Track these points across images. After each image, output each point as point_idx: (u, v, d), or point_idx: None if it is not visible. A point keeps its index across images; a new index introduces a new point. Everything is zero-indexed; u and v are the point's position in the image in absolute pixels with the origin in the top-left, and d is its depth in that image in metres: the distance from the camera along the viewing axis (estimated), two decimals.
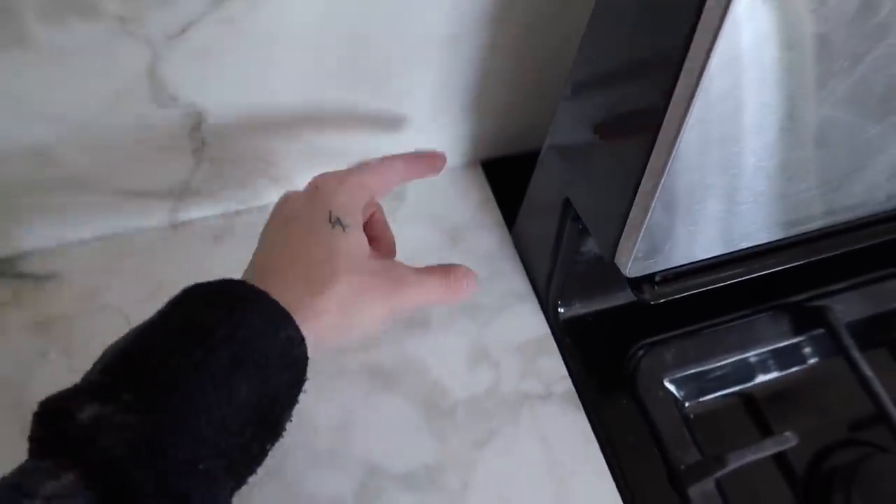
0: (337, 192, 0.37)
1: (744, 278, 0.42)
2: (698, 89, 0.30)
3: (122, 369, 0.29)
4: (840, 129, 0.35)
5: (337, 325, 0.34)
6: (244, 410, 0.29)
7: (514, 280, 0.53)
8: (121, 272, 0.50)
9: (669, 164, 0.33)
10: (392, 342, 0.49)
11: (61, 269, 0.50)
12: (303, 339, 0.32)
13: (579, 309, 0.51)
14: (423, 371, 0.48)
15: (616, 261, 0.39)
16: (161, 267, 0.50)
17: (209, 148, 0.46)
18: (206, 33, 0.38)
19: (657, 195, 0.35)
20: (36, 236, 0.49)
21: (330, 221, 0.36)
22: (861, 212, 0.43)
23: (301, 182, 0.39)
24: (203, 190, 0.50)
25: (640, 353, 0.50)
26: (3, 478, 0.26)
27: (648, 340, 0.51)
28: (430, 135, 0.53)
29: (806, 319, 0.52)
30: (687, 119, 0.31)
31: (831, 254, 0.43)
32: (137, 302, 0.47)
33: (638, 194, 0.36)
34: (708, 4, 0.28)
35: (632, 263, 0.38)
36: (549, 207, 0.46)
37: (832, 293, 0.54)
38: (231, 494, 0.30)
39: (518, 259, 0.54)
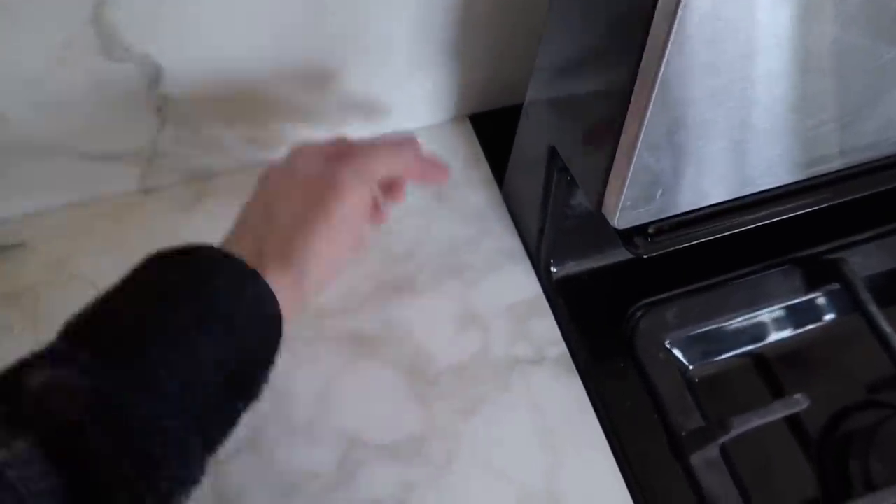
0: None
1: (748, 227, 0.38)
2: (680, 6, 0.26)
3: (80, 332, 0.28)
4: (851, 55, 0.32)
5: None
6: (210, 368, 0.28)
7: (504, 239, 0.49)
8: (90, 240, 0.47)
9: (653, 97, 0.30)
10: (374, 306, 0.46)
11: (28, 238, 0.47)
12: (272, 295, 0.31)
13: (573, 268, 0.48)
14: (407, 336, 0.45)
15: (603, 211, 0.36)
16: (132, 234, 0.48)
17: (173, 106, 0.44)
18: None
19: (642, 135, 0.31)
20: (0, 205, 0.47)
21: None
22: (874, 153, 0.39)
23: (275, 145, 0.36)
24: (172, 152, 0.47)
25: (639, 313, 0.46)
26: None
27: (648, 300, 0.47)
28: (412, 87, 0.50)
29: (820, 273, 0.48)
30: (669, 43, 0.27)
31: (844, 199, 0.39)
32: (107, 271, 0.46)
33: (622, 135, 0.33)
34: None
35: (620, 214, 0.35)
36: (536, 159, 0.43)
37: (848, 245, 0.50)
38: (203, 457, 0.29)
39: (509, 217, 0.50)
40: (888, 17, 0.30)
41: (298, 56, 0.44)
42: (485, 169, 0.52)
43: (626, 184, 0.34)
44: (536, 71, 0.40)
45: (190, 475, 0.28)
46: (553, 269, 0.47)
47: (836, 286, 0.48)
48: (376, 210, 0.38)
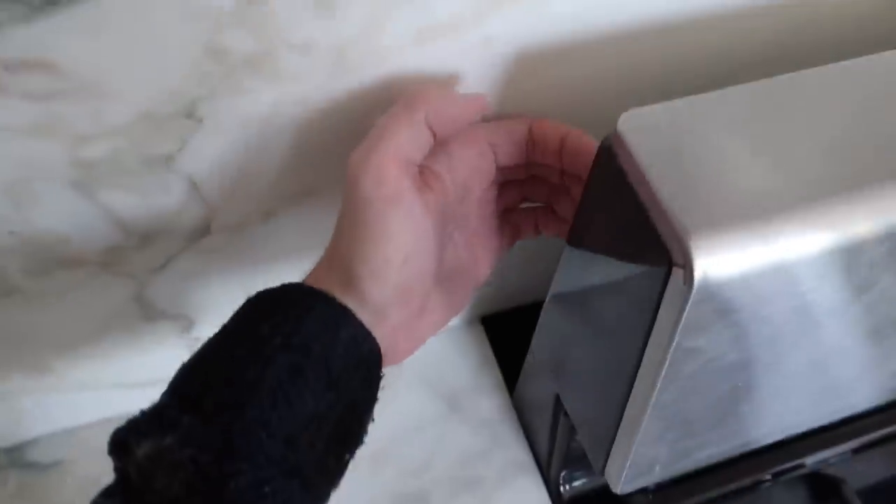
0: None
1: (746, 483, 0.41)
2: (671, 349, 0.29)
3: (183, 391, 0.29)
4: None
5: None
6: (312, 422, 0.28)
7: (516, 449, 0.52)
8: None
9: (650, 405, 0.32)
10: None
11: (65, 456, 0.50)
12: (368, 333, 0.30)
13: (584, 485, 0.50)
14: None
15: (606, 477, 0.38)
16: None
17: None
18: (190, 262, 0.39)
19: (639, 434, 0.34)
20: (42, 423, 0.50)
21: None
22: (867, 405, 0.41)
23: None
24: None
25: None
26: None
27: None
28: None
29: (823, 489, 0.50)
30: (660, 378, 0.30)
31: (834, 448, 0.41)
32: None
33: (624, 419, 0.35)
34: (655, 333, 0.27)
35: (622, 484, 0.37)
36: (542, 398, 0.46)
37: (854, 451, 0.52)
38: None
39: (519, 425, 0.53)
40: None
41: None
42: (496, 374, 0.55)
43: (626, 464, 0.36)
44: (541, 326, 0.43)
45: None
46: (563, 488, 0.49)
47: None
48: (430, 177, 0.33)
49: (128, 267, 0.38)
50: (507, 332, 0.57)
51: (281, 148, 0.34)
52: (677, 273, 0.26)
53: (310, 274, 0.32)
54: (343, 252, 0.31)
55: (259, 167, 0.35)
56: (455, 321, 0.57)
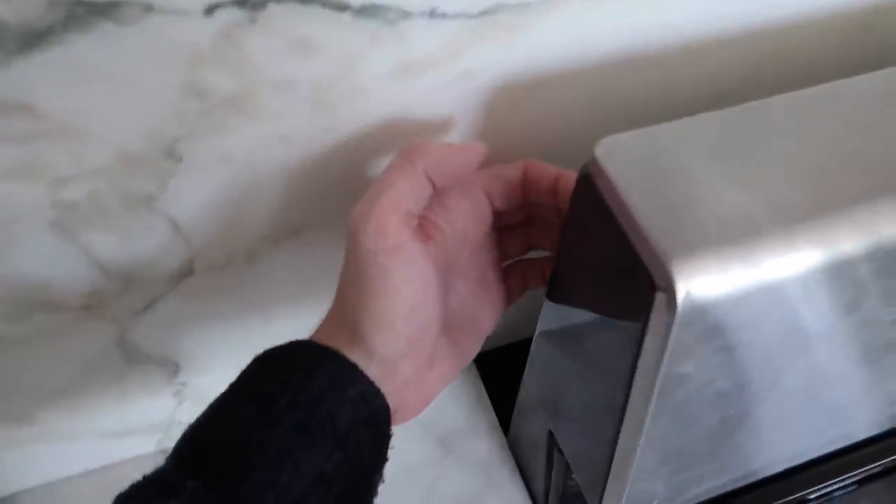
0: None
1: None
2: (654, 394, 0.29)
3: (188, 455, 0.28)
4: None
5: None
6: (321, 482, 0.27)
7: (512, 490, 0.50)
8: None
9: (640, 444, 0.32)
10: None
11: None
12: (377, 390, 0.29)
13: None
14: None
15: None
16: None
17: (191, 388, 0.46)
18: (173, 305, 0.39)
19: (632, 472, 0.33)
20: (25, 476, 0.49)
21: None
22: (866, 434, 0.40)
23: None
24: (190, 420, 0.49)
25: None
26: None
27: None
28: None
29: None
30: (648, 417, 0.30)
31: (839, 480, 0.40)
32: None
33: (617, 452, 0.34)
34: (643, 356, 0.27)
35: None
36: (536, 436, 0.45)
37: (860, 482, 0.51)
38: None
39: (515, 465, 0.52)
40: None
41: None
42: (489, 415, 0.54)
43: (623, 502, 0.35)
44: (530, 361, 0.43)
45: None
46: None
47: None
48: (430, 228, 0.33)
49: (110, 311, 0.37)
50: (500, 370, 0.56)
51: (264, 187, 0.34)
52: (661, 297, 0.26)
53: (317, 329, 0.32)
54: (348, 307, 0.31)
55: (242, 207, 0.35)
56: None
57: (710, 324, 0.26)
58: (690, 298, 0.25)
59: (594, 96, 0.36)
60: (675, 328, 0.26)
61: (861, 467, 0.50)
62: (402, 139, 0.35)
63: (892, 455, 0.51)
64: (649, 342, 0.27)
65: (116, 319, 0.38)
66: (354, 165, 0.35)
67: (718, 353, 0.28)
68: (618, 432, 0.32)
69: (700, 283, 0.25)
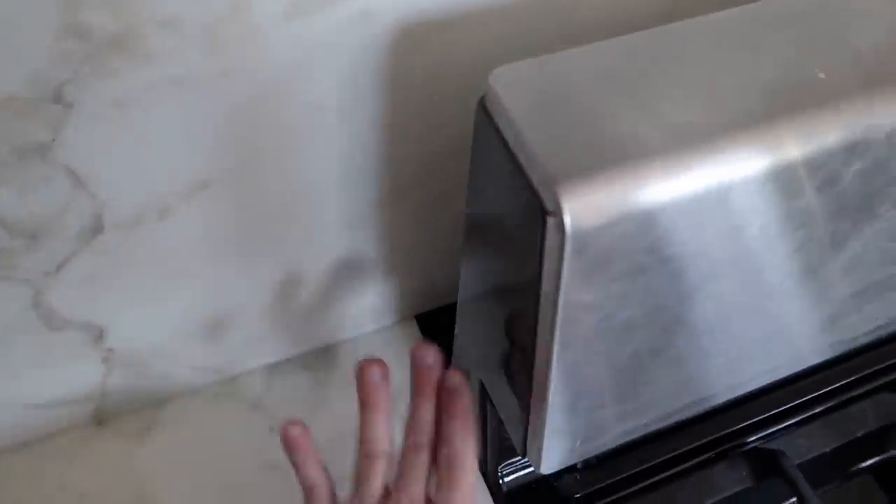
0: None
1: (677, 452, 0.40)
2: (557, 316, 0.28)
3: None
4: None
5: None
6: None
7: None
8: (43, 485, 0.48)
9: (552, 370, 0.31)
10: None
11: None
12: None
13: (522, 477, 0.48)
14: None
15: (528, 458, 0.37)
16: (86, 473, 0.48)
17: (119, 355, 0.45)
18: (85, 265, 0.38)
19: (549, 401, 0.33)
20: None
21: None
22: (790, 370, 0.41)
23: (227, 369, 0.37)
24: (121, 390, 0.48)
25: None
26: None
27: (581, 493, 0.48)
28: (352, 304, 0.52)
29: (763, 464, 0.49)
30: (555, 340, 0.29)
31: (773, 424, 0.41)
32: None
33: (531, 399, 0.34)
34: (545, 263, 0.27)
35: (543, 463, 0.36)
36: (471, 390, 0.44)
37: (791, 426, 0.51)
38: None
39: None
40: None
41: (239, 290, 0.46)
42: None
43: (544, 439, 0.35)
44: (458, 314, 0.42)
45: None
46: (502, 481, 0.48)
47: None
48: None
49: (19, 272, 0.36)
50: (439, 329, 0.56)
51: (164, 135, 0.33)
52: (551, 222, 0.25)
53: None
54: None
55: (145, 157, 0.34)
56: (388, 319, 0.56)
57: (604, 248, 0.26)
58: (579, 221, 0.25)
59: (497, 33, 0.36)
60: (567, 253, 0.26)
61: (798, 412, 0.51)
62: (308, 85, 0.34)
63: (826, 400, 0.51)
64: (547, 270, 0.27)
65: (27, 281, 0.37)
66: (258, 112, 0.35)
67: (618, 281, 0.28)
68: (531, 368, 0.32)
69: (588, 206, 0.25)
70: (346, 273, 0.49)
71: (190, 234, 0.39)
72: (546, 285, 0.28)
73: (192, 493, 0.48)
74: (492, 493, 0.48)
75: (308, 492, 0.39)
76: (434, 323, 0.56)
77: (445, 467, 0.37)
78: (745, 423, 0.50)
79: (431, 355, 0.40)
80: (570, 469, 0.39)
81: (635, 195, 0.25)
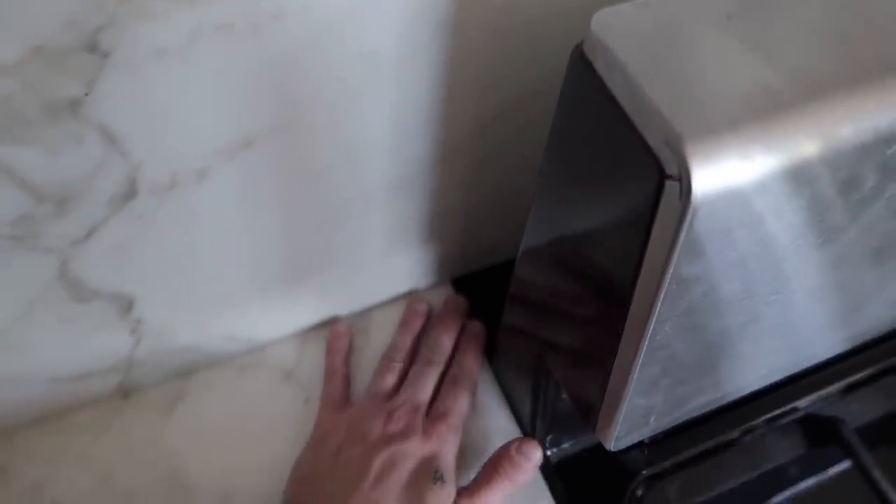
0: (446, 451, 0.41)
1: (741, 431, 0.38)
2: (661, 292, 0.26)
3: None
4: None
5: None
6: None
7: (499, 416, 0.48)
8: (68, 459, 0.46)
9: (641, 354, 0.29)
10: None
11: (5, 462, 0.46)
12: None
13: (570, 448, 0.46)
14: None
15: (598, 436, 0.35)
16: (112, 448, 0.46)
17: (147, 326, 0.42)
18: (116, 232, 0.34)
19: (631, 383, 0.30)
20: None
21: (434, 478, 0.39)
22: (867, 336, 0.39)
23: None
24: (149, 361, 0.46)
25: (640, 491, 0.45)
26: None
27: (648, 472, 0.46)
28: (388, 268, 0.49)
29: (820, 431, 0.48)
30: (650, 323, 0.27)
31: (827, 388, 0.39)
32: (87, 492, 0.43)
33: (615, 366, 0.32)
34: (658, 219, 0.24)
35: (615, 442, 0.34)
36: (523, 358, 0.42)
37: (847, 390, 0.50)
38: None
39: (499, 389, 0.49)
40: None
41: (268, 271, 0.43)
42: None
43: (620, 416, 0.33)
44: (514, 279, 0.39)
45: None
46: (549, 452, 0.46)
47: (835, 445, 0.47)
48: None
49: (45, 240, 0.33)
50: (479, 293, 0.53)
51: (208, 88, 0.30)
52: (671, 187, 0.22)
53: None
54: None
55: (185, 113, 0.30)
56: (424, 283, 0.54)
57: (728, 217, 0.23)
58: (706, 188, 0.22)
59: None
60: (686, 223, 0.23)
61: (850, 375, 0.49)
62: (364, 29, 0.31)
63: (879, 361, 0.50)
64: (656, 239, 0.24)
65: (54, 250, 0.34)
66: (308, 62, 0.31)
67: (731, 252, 0.25)
68: (617, 343, 0.29)
69: (718, 169, 0.22)
70: (386, 236, 0.46)
71: (228, 198, 0.36)
72: (651, 257, 0.25)
73: (224, 467, 0.46)
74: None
75: (328, 376, 0.47)
76: (471, 286, 0.54)
77: (450, 382, 0.45)
78: (799, 390, 0.48)
79: (464, 306, 0.51)
80: (638, 447, 0.37)
81: (769, 156, 0.22)
